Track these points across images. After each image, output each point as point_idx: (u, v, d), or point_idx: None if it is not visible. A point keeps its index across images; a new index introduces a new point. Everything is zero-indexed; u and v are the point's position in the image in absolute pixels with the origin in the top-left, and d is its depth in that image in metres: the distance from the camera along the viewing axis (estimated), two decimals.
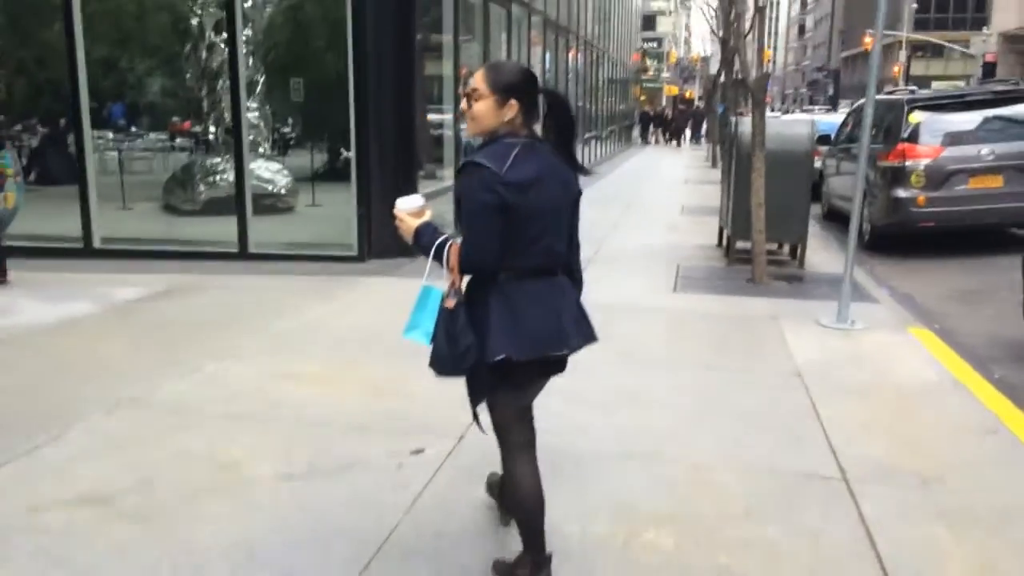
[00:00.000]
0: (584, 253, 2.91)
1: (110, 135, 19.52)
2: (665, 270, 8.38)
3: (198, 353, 5.37)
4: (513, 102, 2.56)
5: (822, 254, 9.33)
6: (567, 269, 2.74)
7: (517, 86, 2.57)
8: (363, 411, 4.42)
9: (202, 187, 12.40)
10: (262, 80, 14.21)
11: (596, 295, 7.15)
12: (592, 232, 10.94)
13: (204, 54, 15.66)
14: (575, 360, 2.73)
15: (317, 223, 10.68)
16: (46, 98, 19.57)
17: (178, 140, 15.54)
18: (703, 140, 37.91)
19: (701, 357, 5.51)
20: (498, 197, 2.45)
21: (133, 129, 16.60)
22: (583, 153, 21.64)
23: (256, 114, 14.31)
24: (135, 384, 4.75)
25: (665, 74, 57.23)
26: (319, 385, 4.80)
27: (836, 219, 11.91)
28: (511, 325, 2.55)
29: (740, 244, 8.64)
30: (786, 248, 9.15)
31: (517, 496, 2.79)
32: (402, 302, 2.84)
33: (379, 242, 8.69)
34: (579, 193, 2.73)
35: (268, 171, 13.13)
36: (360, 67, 8.33)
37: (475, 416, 2.77)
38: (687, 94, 57.87)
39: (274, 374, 4.97)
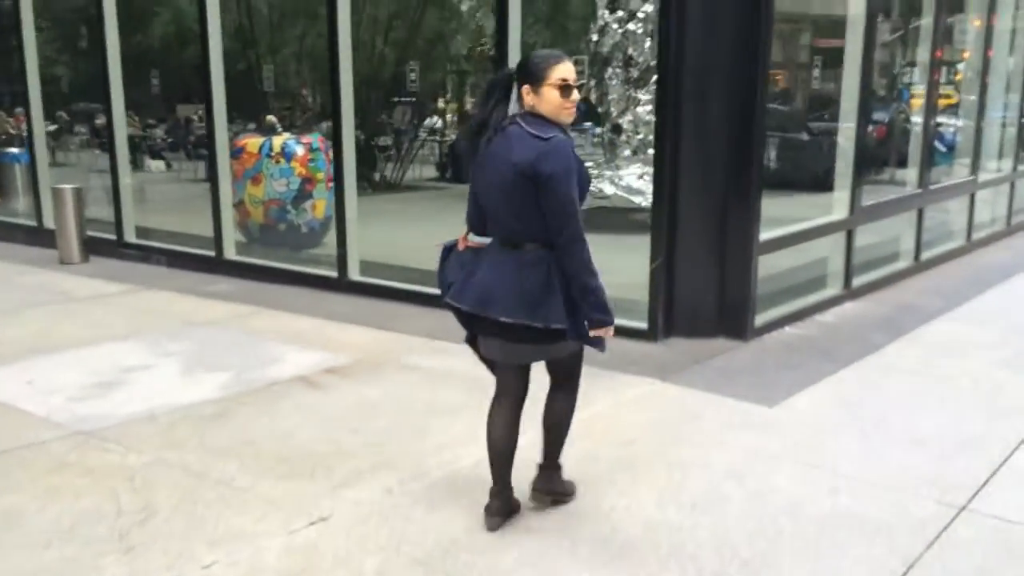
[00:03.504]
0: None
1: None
2: None
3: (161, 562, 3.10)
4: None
5: None
6: (540, 243, 2.98)
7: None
8: None
9: None
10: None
11: None
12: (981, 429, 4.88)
13: (595, 36, 13.63)
14: None
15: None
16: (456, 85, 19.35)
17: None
18: None
19: None
20: (471, 176, 3.17)
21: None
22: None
23: (648, 108, 11.90)
24: None
25: None
26: None
27: None
28: (461, 276, 3.14)
29: None
30: None
31: (487, 432, 3.21)
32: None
33: (685, 309, 5.68)
34: (527, 173, 2.88)
35: (637, 178, 10.55)
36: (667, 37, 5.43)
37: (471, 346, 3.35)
38: None
39: None
